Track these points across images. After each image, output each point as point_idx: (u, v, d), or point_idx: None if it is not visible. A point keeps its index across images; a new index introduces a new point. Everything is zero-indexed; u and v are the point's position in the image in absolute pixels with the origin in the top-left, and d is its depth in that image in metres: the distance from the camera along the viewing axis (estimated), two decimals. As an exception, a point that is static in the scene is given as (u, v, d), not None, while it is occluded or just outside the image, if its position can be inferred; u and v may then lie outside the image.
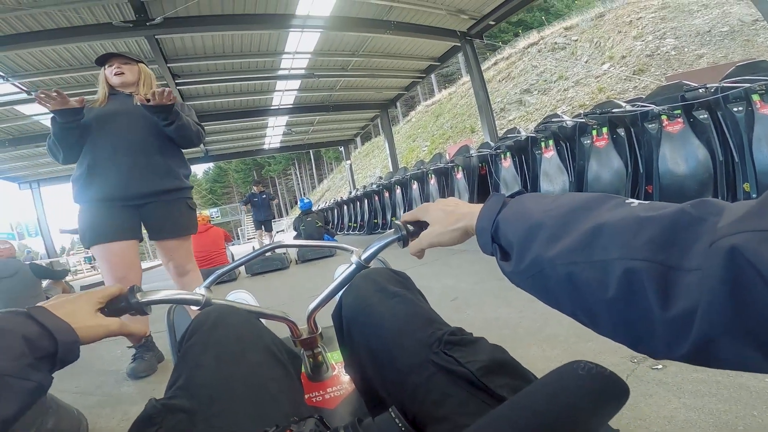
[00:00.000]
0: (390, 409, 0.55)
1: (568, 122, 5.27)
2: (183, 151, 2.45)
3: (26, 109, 9.58)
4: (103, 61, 2.35)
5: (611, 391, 0.40)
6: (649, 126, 4.36)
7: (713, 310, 0.31)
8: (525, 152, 6.08)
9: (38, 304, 0.58)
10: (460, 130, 22.28)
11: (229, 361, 0.67)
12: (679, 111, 4.11)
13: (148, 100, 2.07)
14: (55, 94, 2.00)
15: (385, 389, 0.72)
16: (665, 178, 4.26)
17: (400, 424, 0.53)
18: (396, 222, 0.80)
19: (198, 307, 0.81)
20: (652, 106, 4.21)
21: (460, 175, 7.43)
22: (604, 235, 0.41)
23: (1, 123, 10.01)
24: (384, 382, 0.72)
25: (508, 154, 6.34)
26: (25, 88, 8.61)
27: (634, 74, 13.96)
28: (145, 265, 16.61)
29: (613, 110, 4.51)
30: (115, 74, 2.30)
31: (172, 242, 2.38)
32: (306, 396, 0.94)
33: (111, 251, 2.17)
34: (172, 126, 2.19)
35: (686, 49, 13.76)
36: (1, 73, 7.83)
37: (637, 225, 0.39)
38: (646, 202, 0.42)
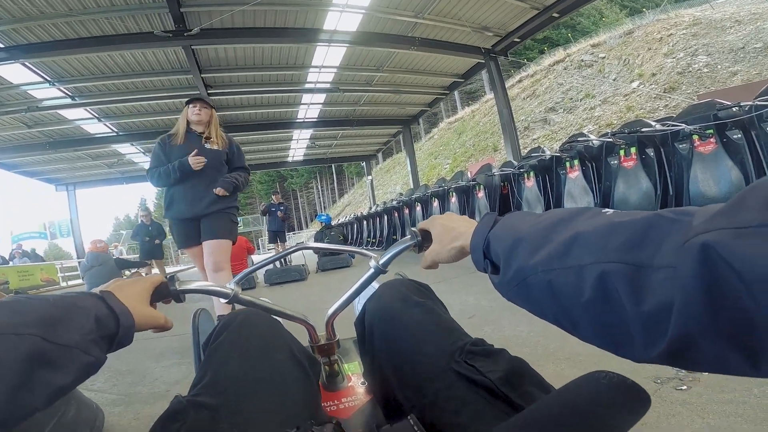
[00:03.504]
0: (409, 417, 0.55)
1: (594, 141, 5.12)
2: None
3: (69, 113, 10.01)
4: (189, 101, 3.08)
5: (633, 401, 0.39)
6: (680, 146, 4.22)
7: (689, 308, 0.30)
8: (549, 172, 5.95)
9: (106, 287, 0.64)
10: (483, 149, 22.21)
11: (254, 360, 0.68)
12: (711, 131, 3.97)
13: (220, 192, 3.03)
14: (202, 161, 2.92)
15: (404, 395, 0.72)
16: (696, 201, 4.10)
17: None
18: (412, 229, 0.83)
19: (226, 300, 0.85)
20: (683, 126, 4.07)
21: (481, 194, 7.31)
22: (579, 243, 0.42)
23: (44, 126, 10.42)
24: (403, 388, 0.72)
25: (532, 173, 6.21)
26: (69, 93, 9.00)
27: (664, 92, 13.64)
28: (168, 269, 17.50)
29: (642, 129, 4.36)
30: (195, 114, 3.02)
31: (213, 242, 3.01)
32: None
33: (191, 252, 3.17)
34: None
35: (719, 66, 13.42)
36: (48, 78, 8.20)
37: (610, 230, 0.40)
38: (623, 211, 0.43)
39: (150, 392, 2.28)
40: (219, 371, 0.66)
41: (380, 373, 0.81)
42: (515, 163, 7.04)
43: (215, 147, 3.05)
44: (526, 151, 7.51)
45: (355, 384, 1.01)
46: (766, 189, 0.29)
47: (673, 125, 4.18)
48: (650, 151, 4.54)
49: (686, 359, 0.33)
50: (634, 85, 15.42)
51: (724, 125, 3.91)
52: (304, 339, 1.04)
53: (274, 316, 0.93)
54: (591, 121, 15.58)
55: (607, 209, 0.45)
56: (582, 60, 19.78)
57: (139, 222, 9.42)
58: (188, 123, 3.07)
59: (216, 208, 3.03)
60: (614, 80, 16.63)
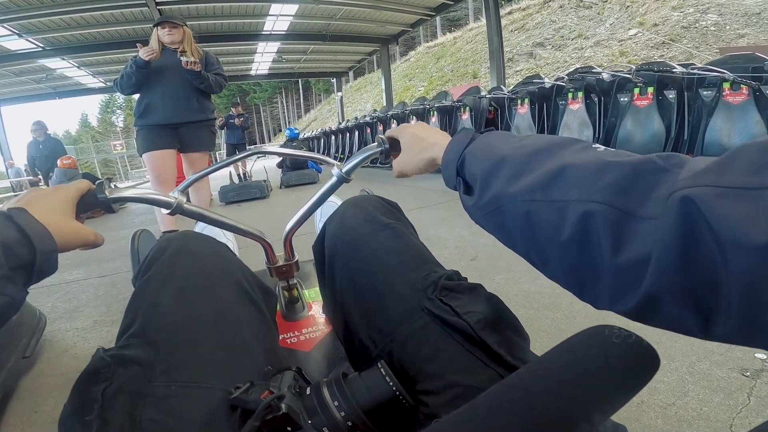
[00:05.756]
0: (378, 364, 0.49)
1: (605, 75, 4.83)
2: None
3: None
4: (156, 24, 3.09)
5: (645, 364, 0.32)
6: (704, 93, 4.03)
7: (664, 263, 0.29)
8: (547, 101, 5.71)
9: (17, 201, 0.51)
10: (462, 75, 21.60)
11: (194, 299, 0.58)
12: (747, 82, 3.77)
13: (188, 64, 2.97)
14: (156, 48, 2.92)
15: (369, 337, 0.62)
16: (710, 149, 3.98)
17: (390, 382, 0.47)
18: (380, 136, 0.74)
19: (168, 211, 0.71)
20: (726, 72, 3.83)
21: (466, 116, 6.93)
22: (566, 176, 0.39)
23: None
24: (368, 328, 0.63)
25: (527, 100, 5.91)
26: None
27: (664, 44, 13.36)
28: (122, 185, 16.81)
29: (673, 71, 4.14)
30: (166, 34, 3.03)
31: (196, 155, 3.24)
32: (279, 337, 0.84)
33: (155, 156, 3.04)
34: (198, 82, 3.08)
35: (728, 27, 13.14)
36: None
37: (601, 168, 0.37)
38: (613, 149, 0.40)
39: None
40: (150, 314, 0.55)
41: (342, 309, 0.70)
42: (504, 88, 6.72)
43: (191, 59, 3.08)
44: (508, 80, 7.06)
45: (316, 313, 0.94)
46: (756, 152, 0.27)
47: (708, 70, 3.97)
48: (669, 94, 4.30)
49: (647, 317, 0.33)
50: (632, 32, 14.97)
51: (759, 78, 3.73)
52: (260, 262, 0.95)
53: (221, 240, 0.80)
54: (580, 60, 15.14)
55: (597, 145, 0.42)
56: (581, 1, 18.97)
57: (32, 139, 7.57)
58: (163, 44, 3.11)
59: (198, 117, 3.14)
60: (611, 25, 16.10)
